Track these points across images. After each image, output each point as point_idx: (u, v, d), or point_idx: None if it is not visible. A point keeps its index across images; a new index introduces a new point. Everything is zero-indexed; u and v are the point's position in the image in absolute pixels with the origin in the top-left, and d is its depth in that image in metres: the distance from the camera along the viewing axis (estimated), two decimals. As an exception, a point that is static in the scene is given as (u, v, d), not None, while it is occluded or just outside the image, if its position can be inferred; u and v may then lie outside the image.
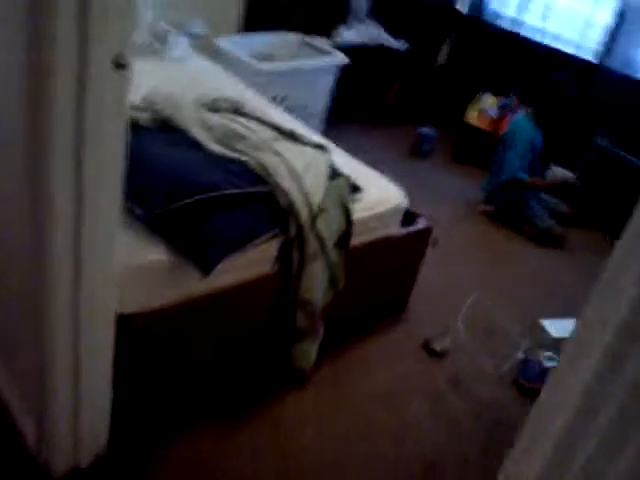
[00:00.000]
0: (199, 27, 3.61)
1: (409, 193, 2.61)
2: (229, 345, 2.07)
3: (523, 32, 4.57)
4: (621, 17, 4.00)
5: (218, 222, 1.79)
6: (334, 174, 2.26)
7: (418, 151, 4.44)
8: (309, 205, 2.05)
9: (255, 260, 1.95)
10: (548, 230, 3.67)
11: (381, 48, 4.45)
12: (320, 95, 4.08)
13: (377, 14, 4.63)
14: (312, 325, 2.14)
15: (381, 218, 2.43)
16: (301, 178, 2.03)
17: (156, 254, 1.74)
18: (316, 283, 2.05)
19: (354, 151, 2.75)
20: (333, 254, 2.12)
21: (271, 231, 1.92)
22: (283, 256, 2.02)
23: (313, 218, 2.05)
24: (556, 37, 4.40)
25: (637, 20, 3.92)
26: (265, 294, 2.07)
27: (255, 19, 4.18)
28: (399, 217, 2.56)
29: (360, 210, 2.31)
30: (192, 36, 3.51)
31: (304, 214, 2.02)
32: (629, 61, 4.00)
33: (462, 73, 4.89)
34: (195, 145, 2.13)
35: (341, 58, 4.03)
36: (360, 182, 2.37)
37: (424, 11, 4.69)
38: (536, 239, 3.68)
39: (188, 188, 1.79)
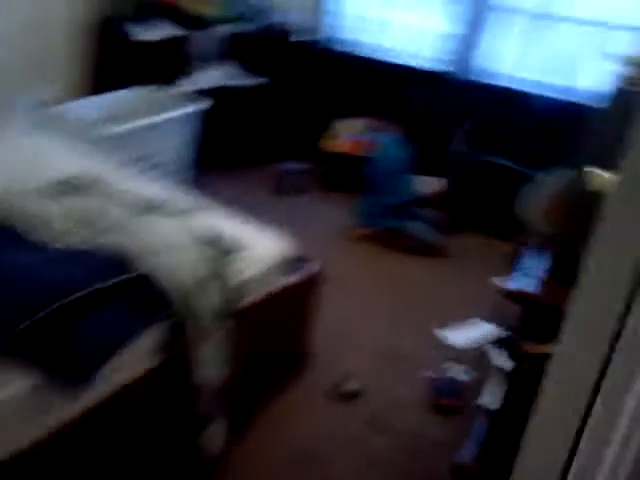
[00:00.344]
0: (42, 94, 3.30)
1: (287, 234, 2.52)
2: (126, 458, 1.84)
3: (374, 54, 4.63)
4: (469, 27, 4.18)
5: (87, 326, 1.59)
6: (206, 240, 2.11)
7: (285, 188, 4.36)
8: (182, 284, 1.88)
9: (136, 357, 1.75)
10: (430, 243, 3.73)
11: (236, 88, 4.37)
12: (179, 148, 3.92)
13: (229, 54, 4.54)
14: (214, 407, 1.97)
15: (267, 273, 2.32)
16: (167, 256, 1.86)
17: (18, 383, 1.49)
18: (209, 363, 1.89)
19: (222, 202, 2.61)
20: (221, 327, 1.97)
21: (147, 322, 1.74)
22: (167, 344, 1.83)
23: (190, 296, 1.88)
24: (408, 54, 4.50)
25: (482, 29, 4.12)
26: (155, 390, 1.86)
27: (102, 79, 3.96)
28: (286, 266, 2.46)
29: (243, 270, 2.17)
30: (35, 105, 3.20)
31: (179, 295, 1.85)
32: (478, 67, 4.19)
33: (320, 102, 4.90)
34: (43, 243, 1.90)
35: (196, 105, 3.90)
36: (238, 238, 2.24)
37: (271, 45, 4.66)
38: (420, 253, 3.73)
39: (45, 296, 1.57)
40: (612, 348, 0.89)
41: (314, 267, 2.58)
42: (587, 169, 1.30)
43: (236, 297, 2.06)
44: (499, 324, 2.45)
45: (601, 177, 1.28)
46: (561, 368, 0.98)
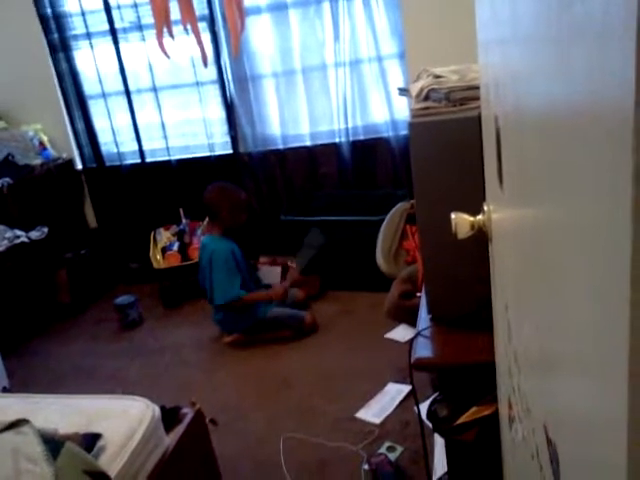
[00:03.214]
0: None
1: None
2: None
3: (155, 157, 4.36)
4: (229, 108, 4.07)
5: None
6: (56, 444, 1.65)
7: (127, 322, 3.88)
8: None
9: None
10: (301, 323, 3.44)
11: (20, 246, 3.81)
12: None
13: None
14: None
15: (144, 445, 1.90)
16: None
17: None
18: None
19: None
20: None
21: None
22: None
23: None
24: (191, 148, 4.30)
25: (241, 108, 4.04)
26: None
27: None
28: (160, 427, 2.03)
29: (112, 458, 1.77)
30: None
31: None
32: (255, 139, 4.08)
33: (121, 223, 4.52)
34: None
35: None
36: (95, 423, 1.86)
37: (46, 187, 4.19)
38: (297, 336, 3.43)
39: None
40: None
41: (193, 412, 2.18)
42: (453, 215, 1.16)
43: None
44: (410, 379, 2.20)
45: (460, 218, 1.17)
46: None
